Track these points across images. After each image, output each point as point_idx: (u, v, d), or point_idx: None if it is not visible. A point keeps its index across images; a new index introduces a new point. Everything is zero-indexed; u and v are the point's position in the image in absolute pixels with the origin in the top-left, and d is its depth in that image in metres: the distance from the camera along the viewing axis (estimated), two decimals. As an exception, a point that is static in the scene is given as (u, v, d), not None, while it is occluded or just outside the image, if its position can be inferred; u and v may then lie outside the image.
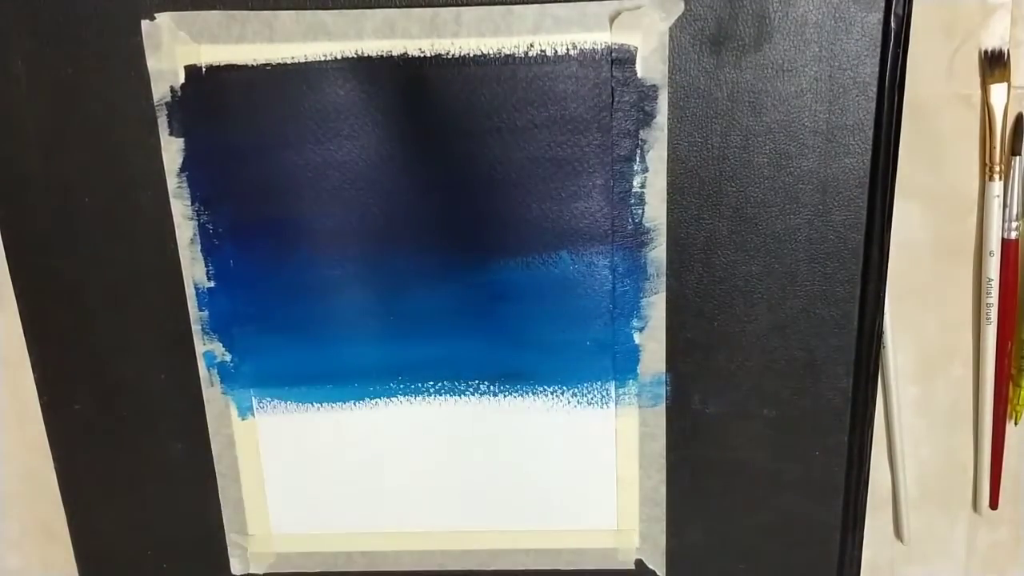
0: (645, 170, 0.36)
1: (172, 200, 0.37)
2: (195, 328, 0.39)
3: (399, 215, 0.37)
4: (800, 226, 0.36)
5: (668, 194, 0.36)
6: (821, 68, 0.35)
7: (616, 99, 0.35)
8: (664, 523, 0.41)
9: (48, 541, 0.46)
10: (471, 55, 0.35)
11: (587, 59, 0.34)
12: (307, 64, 0.35)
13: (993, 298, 0.39)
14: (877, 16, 0.34)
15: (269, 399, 0.40)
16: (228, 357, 0.39)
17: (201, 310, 0.39)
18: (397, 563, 0.43)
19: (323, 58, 0.35)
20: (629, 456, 0.40)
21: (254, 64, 0.35)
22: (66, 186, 0.37)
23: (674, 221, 0.37)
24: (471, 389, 0.40)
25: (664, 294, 0.37)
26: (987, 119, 0.38)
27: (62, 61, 0.36)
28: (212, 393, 0.40)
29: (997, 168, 0.38)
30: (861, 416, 0.39)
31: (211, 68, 0.35)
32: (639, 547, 0.41)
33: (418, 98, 0.35)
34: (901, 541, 0.43)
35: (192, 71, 0.35)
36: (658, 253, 0.37)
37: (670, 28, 0.34)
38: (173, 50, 0.35)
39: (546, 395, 0.39)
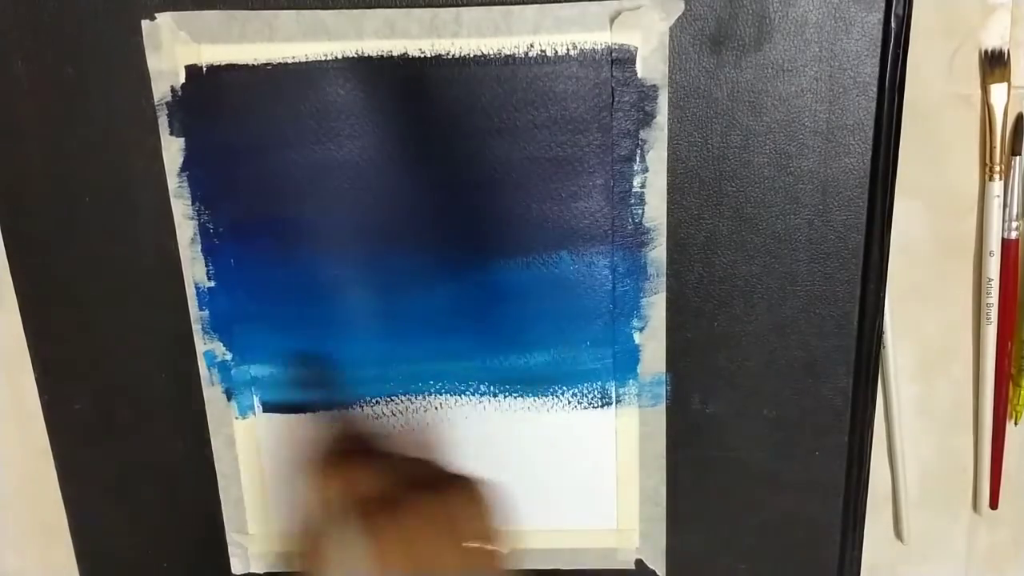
0: (645, 170, 0.36)
1: (172, 200, 0.37)
2: (195, 328, 0.39)
3: (399, 215, 0.37)
4: (800, 226, 0.36)
5: (668, 194, 0.36)
6: (821, 68, 0.35)
7: (616, 99, 0.35)
8: (664, 523, 0.41)
9: (48, 541, 0.46)
10: (471, 55, 0.35)
11: (587, 59, 0.34)
12: (307, 64, 0.35)
13: (993, 298, 0.39)
14: (877, 16, 0.34)
15: (269, 398, 0.40)
16: (228, 357, 0.39)
17: (201, 310, 0.39)
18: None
19: (323, 58, 0.35)
20: (629, 456, 0.40)
21: (254, 64, 0.35)
22: (66, 186, 0.38)
23: (674, 221, 0.37)
24: (471, 389, 0.40)
25: (664, 294, 0.37)
26: (987, 119, 0.38)
27: (62, 61, 0.36)
28: (212, 393, 0.40)
29: (997, 168, 0.38)
30: (861, 416, 0.39)
31: (211, 68, 0.35)
32: (639, 547, 0.41)
33: (418, 98, 0.35)
34: (901, 541, 0.43)
35: (192, 71, 0.35)
36: (658, 253, 0.37)
37: (670, 28, 0.34)
38: (173, 50, 0.35)
39: (546, 395, 0.39)
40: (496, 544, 0.31)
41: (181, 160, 0.37)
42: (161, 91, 0.36)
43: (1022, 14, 0.37)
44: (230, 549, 0.43)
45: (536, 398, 0.39)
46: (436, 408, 0.40)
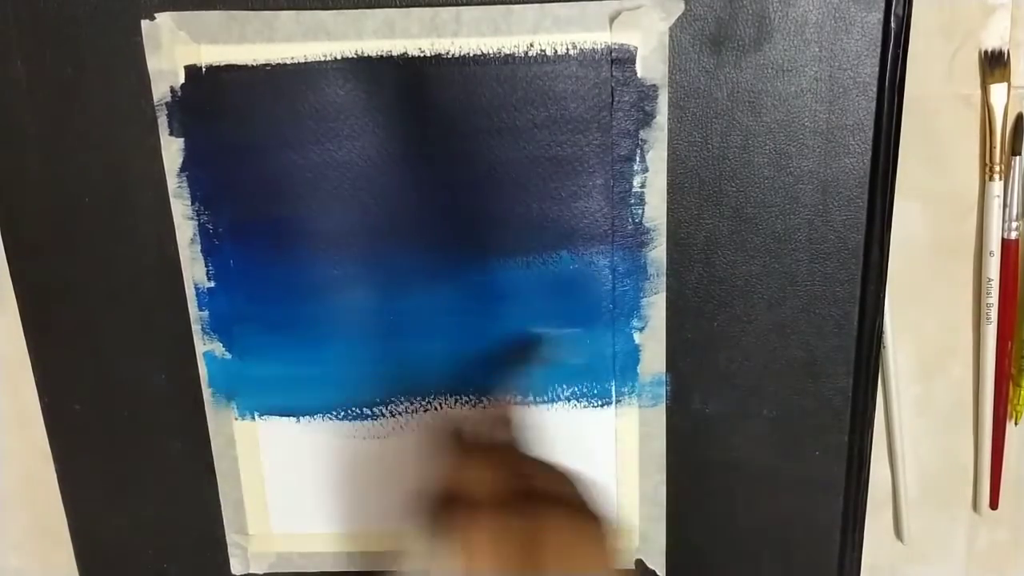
0: (645, 170, 0.36)
1: (172, 200, 0.37)
2: (195, 328, 0.39)
3: (399, 215, 0.37)
4: (800, 226, 0.36)
5: (668, 194, 0.36)
6: (821, 68, 0.35)
7: (616, 99, 0.35)
8: (664, 523, 0.41)
9: (48, 541, 0.46)
10: (471, 55, 0.35)
11: (587, 59, 0.34)
12: (307, 64, 0.35)
13: (993, 298, 0.39)
14: (877, 16, 0.34)
15: (269, 399, 0.40)
16: (228, 357, 0.39)
17: (201, 310, 0.39)
18: (397, 563, 0.43)
19: (323, 58, 0.35)
20: (629, 456, 0.40)
21: (254, 64, 0.35)
22: (66, 186, 0.38)
23: (674, 221, 0.37)
24: (471, 389, 0.40)
25: (664, 294, 0.37)
26: (987, 119, 0.38)
27: (62, 61, 0.36)
28: (212, 393, 0.40)
29: (997, 168, 0.38)
30: (861, 416, 0.39)
31: (211, 68, 0.35)
32: (639, 547, 0.41)
33: (418, 98, 0.35)
34: (901, 541, 0.43)
35: (192, 71, 0.35)
36: (658, 253, 0.37)
37: (670, 28, 0.34)
38: (173, 50, 0.35)
39: (546, 395, 0.39)
40: None
41: (181, 160, 0.37)
42: (161, 91, 0.36)
43: (1022, 14, 0.37)
44: (230, 549, 0.43)
45: (536, 398, 0.39)
46: (436, 408, 0.40)
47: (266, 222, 0.37)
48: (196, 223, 0.38)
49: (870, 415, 0.39)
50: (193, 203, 0.37)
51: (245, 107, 0.36)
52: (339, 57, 0.35)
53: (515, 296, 0.38)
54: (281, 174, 0.36)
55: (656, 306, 0.38)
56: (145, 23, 0.35)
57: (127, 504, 0.42)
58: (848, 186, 0.36)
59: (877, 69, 0.34)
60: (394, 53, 0.35)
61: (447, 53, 0.35)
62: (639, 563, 0.42)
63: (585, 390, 0.39)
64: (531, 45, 0.34)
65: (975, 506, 0.43)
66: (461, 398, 0.40)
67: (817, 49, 0.34)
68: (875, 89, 0.35)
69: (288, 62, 0.35)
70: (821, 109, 0.35)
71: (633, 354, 0.38)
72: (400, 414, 0.40)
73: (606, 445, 0.40)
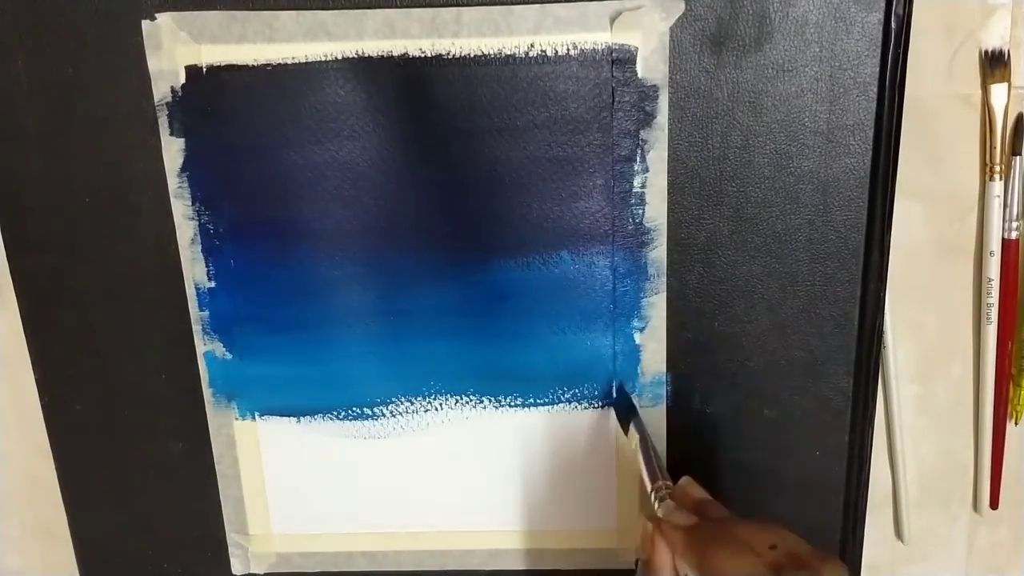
0: (645, 170, 0.36)
1: (173, 200, 0.37)
2: (195, 328, 0.39)
3: (399, 215, 0.37)
4: (800, 226, 0.36)
5: (668, 194, 0.36)
6: (821, 68, 0.35)
7: (616, 99, 0.35)
8: (664, 523, 0.41)
9: (48, 541, 0.46)
10: (472, 55, 0.35)
11: (587, 59, 0.34)
12: (307, 64, 0.35)
13: (993, 298, 0.39)
14: (877, 16, 0.34)
15: (269, 399, 0.40)
16: (228, 357, 0.39)
17: (201, 310, 0.39)
18: (397, 563, 0.43)
19: (323, 58, 0.35)
20: (629, 456, 0.40)
21: (254, 64, 0.35)
22: (66, 186, 0.37)
23: (674, 221, 0.37)
24: (471, 389, 0.40)
25: (664, 294, 0.37)
26: (987, 119, 0.38)
27: (62, 61, 0.36)
28: (212, 393, 0.40)
29: (997, 168, 0.38)
30: (861, 416, 0.39)
31: (211, 68, 0.35)
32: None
33: (418, 98, 0.35)
34: (901, 541, 0.43)
35: (192, 71, 0.35)
36: (658, 253, 0.37)
37: (671, 28, 0.34)
38: (173, 50, 0.35)
39: (546, 395, 0.39)
40: None
41: (181, 160, 0.37)
42: (161, 91, 0.36)
43: (1022, 14, 0.37)
44: (230, 549, 0.43)
45: (536, 398, 0.39)
46: (436, 408, 0.40)
47: (267, 222, 0.37)
48: (197, 223, 0.37)
49: (870, 415, 0.39)
50: (194, 203, 0.37)
51: (246, 107, 0.36)
52: (339, 57, 0.35)
53: (515, 296, 0.38)
54: (282, 174, 0.36)
55: (656, 306, 0.38)
56: (145, 23, 0.35)
57: (127, 504, 0.42)
58: (848, 186, 0.36)
59: (877, 69, 0.34)
60: (395, 53, 0.35)
61: (448, 54, 0.35)
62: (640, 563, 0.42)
63: (585, 390, 0.39)
64: (532, 46, 0.34)
65: (975, 506, 0.43)
66: (461, 398, 0.40)
67: (817, 49, 0.34)
68: (875, 89, 0.35)
69: (289, 62, 0.35)
70: (821, 109, 0.35)
71: (633, 354, 0.38)
72: (400, 414, 0.40)
73: (606, 445, 0.40)
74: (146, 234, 0.38)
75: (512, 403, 0.40)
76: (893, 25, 0.34)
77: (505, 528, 0.42)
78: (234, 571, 0.43)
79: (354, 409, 0.40)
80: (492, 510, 0.41)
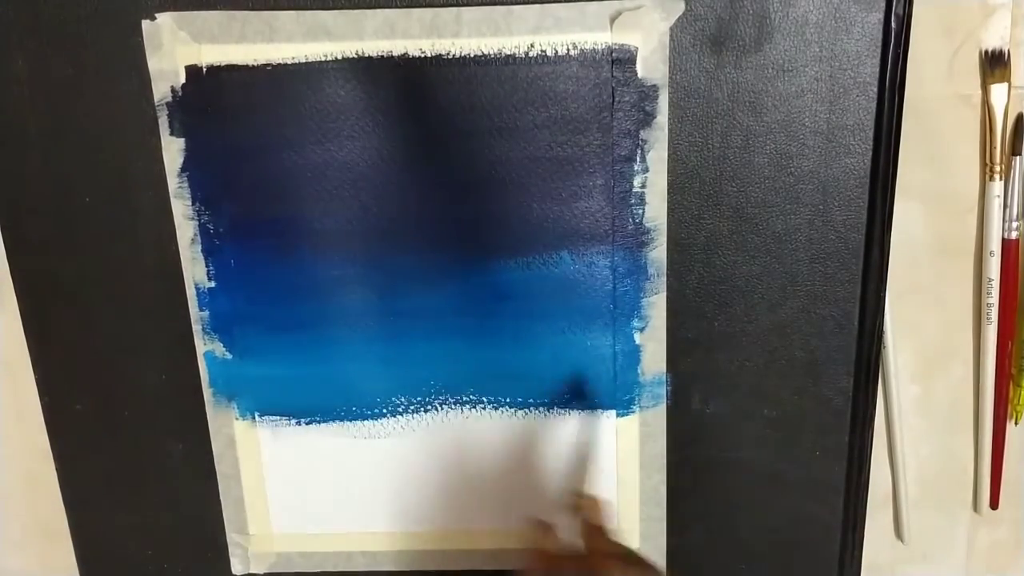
0: (645, 170, 0.36)
1: (173, 200, 0.37)
2: (195, 328, 0.39)
3: (399, 215, 0.37)
4: (800, 226, 0.36)
5: (668, 194, 0.36)
6: (821, 68, 0.35)
7: (616, 99, 0.35)
8: (664, 523, 0.41)
9: (48, 541, 0.46)
10: (472, 55, 0.35)
11: (587, 59, 0.34)
12: (307, 64, 0.35)
13: (993, 298, 0.39)
14: (877, 16, 0.34)
15: (270, 399, 0.40)
16: (228, 357, 0.39)
17: (201, 310, 0.39)
18: (397, 563, 0.43)
19: (323, 58, 0.35)
20: (629, 456, 0.40)
21: (254, 64, 0.35)
22: (66, 186, 0.37)
23: (674, 221, 0.37)
24: (471, 389, 0.40)
25: (664, 294, 0.37)
26: (987, 119, 0.38)
27: (62, 61, 0.36)
28: (212, 393, 0.40)
29: (997, 168, 0.38)
30: (861, 416, 0.39)
31: (211, 68, 0.35)
32: (639, 547, 0.41)
33: (418, 98, 0.35)
34: (901, 541, 0.43)
35: (192, 71, 0.35)
36: (658, 253, 0.37)
37: (670, 28, 0.34)
38: (173, 50, 0.35)
39: (546, 395, 0.39)
40: None
41: (181, 160, 0.37)
42: (161, 91, 0.36)
43: (1022, 14, 0.37)
44: (230, 549, 0.43)
45: (536, 398, 0.39)
46: (436, 408, 0.40)
47: (267, 222, 0.37)
48: (197, 223, 0.37)
49: (870, 415, 0.39)
50: (194, 203, 0.37)
51: (246, 107, 0.36)
52: (339, 57, 0.35)
53: (516, 296, 0.38)
54: (282, 174, 0.36)
55: (656, 306, 0.38)
56: (146, 23, 0.35)
57: (127, 504, 0.42)
58: (848, 186, 0.36)
59: (877, 69, 0.34)
60: (395, 53, 0.35)
61: (448, 54, 0.35)
62: (639, 563, 0.42)
63: (586, 391, 0.39)
64: (532, 46, 0.34)
65: (975, 506, 0.43)
66: (461, 398, 0.40)
67: (817, 49, 0.34)
68: (875, 89, 0.35)
69: (289, 62, 0.35)
70: (821, 109, 0.35)
71: (633, 354, 0.38)
72: (400, 414, 0.40)
73: (606, 445, 0.40)
74: (146, 234, 0.38)
75: (512, 403, 0.40)
76: (893, 25, 0.34)
77: (505, 528, 0.42)
78: (234, 571, 0.43)
79: (354, 409, 0.40)
80: (492, 510, 0.41)
